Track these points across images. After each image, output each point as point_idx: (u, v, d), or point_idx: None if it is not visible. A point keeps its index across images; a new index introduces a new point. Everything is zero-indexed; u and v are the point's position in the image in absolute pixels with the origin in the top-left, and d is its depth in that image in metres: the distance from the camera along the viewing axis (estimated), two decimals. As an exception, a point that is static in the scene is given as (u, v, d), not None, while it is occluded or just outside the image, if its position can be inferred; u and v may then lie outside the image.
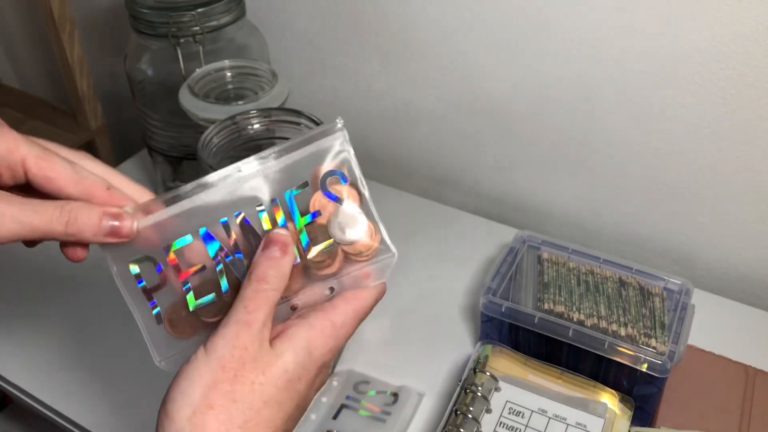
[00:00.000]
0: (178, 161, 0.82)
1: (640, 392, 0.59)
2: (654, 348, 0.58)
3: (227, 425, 0.33)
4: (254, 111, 0.60)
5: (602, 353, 0.58)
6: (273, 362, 0.35)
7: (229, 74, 0.70)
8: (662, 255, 0.82)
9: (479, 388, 0.57)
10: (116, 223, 0.37)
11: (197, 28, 0.73)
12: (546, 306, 0.62)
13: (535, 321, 0.60)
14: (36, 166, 0.36)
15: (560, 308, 0.62)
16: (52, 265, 0.75)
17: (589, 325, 0.60)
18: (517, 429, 0.56)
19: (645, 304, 0.63)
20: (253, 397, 0.34)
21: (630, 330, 0.60)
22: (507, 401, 0.58)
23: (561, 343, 0.60)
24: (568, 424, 0.56)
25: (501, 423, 0.57)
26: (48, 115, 1.07)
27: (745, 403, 0.60)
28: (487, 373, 0.59)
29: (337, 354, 0.37)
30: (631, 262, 0.66)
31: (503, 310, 0.62)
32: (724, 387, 0.61)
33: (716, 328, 0.69)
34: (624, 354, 0.57)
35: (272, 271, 0.37)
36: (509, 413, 0.57)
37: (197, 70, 0.70)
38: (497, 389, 0.59)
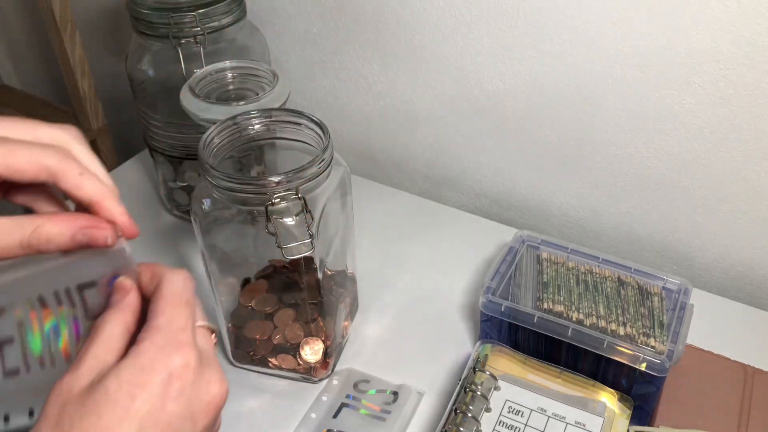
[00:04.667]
0: (179, 161, 0.82)
1: (639, 391, 0.59)
2: (653, 347, 0.58)
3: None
4: (255, 111, 0.61)
5: (601, 352, 0.58)
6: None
7: (229, 75, 0.70)
8: (661, 254, 0.82)
9: (479, 387, 0.58)
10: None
11: (198, 28, 0.73)
12: (545, 305, 0.62)
13: (535, 320, 0.61)
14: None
15: (559, 308, 0.62)
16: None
17: (588, 324, 0.61)
18: (516, 428, 0.56)
19: (644, 303, 0.63)
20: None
21: (629, 329, 0.60)
22: (506, 400, 0.58)
23: (560, 342, 0.60)
24: (567, 423, 0.57)
25: (500, 422, 0.57)
26: (49, 116, 1.07)
27: (743, 402, 0.60)
28: (487, 372, 0.59)
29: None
30: (629, 262, 0.66)
31: (503, 309, 0.62)
32: (722, 386, 0.61)
33: (715, 327, 0.69)
34: (623, 353, 0.58)
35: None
36: (509, 412, 0.58)
37: (198, 70, 0.70)
38: (497, 388, 0.59)
